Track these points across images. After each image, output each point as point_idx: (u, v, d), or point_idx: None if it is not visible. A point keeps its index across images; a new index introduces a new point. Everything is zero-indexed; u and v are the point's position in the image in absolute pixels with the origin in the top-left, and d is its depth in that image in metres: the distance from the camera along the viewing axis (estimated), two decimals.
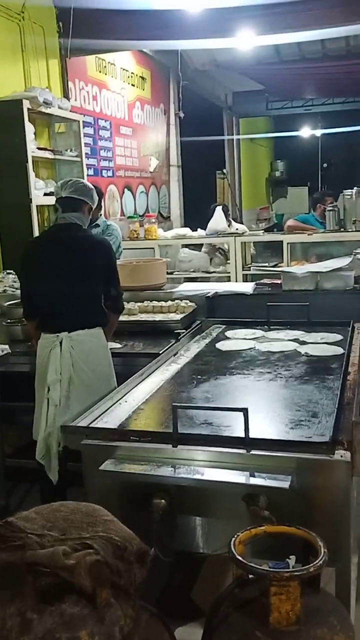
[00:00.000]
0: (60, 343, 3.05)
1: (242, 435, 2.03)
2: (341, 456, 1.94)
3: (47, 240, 3.31)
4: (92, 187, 3.28)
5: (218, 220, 6.57)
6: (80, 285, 3.10)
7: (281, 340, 3.40)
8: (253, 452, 2.00)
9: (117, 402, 2.55)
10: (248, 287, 4.37)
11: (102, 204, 5.54)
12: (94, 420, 2.34)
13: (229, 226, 6.71)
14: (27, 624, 1.53)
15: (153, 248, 6.47)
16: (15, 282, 4.58)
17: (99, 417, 2.38)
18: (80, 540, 1.62)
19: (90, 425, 2.29)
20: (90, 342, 3.10)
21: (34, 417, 3.11)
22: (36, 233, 4.90)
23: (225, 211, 6.85)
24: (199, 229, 6.75)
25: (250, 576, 1.68)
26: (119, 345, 3.48)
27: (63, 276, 3.10)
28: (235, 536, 1.72)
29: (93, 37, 5.77)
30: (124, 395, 2.63)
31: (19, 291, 4.36)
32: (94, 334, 3.13)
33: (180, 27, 5.69)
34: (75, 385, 3.02)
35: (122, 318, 3.57)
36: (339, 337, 3.36)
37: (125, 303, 3.50)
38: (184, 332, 3.60)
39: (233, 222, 7.06)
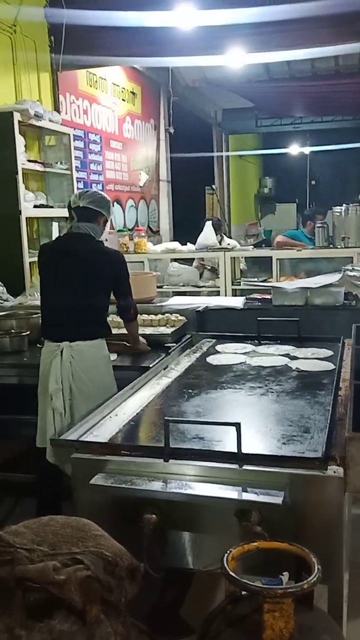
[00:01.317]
0: (62, 352, 3.04)
1: (235, 450, 2.01)
2: (334, 472, 1.92)
3: (57, 249, 3.31)
4: (109, 199, 3.31)
5: (207, 235, 6.58)
6: (84, 296, 3.10)
7: (272, 355, 3.40)
8: (245, 467, 1.98)
9: (107, 415, 2.52)
10: (238, 302, 4.37)
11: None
12: (83, 434, 2.31)
13: (220, 242, 6.72)
14: None
15: (143, 262, 6.47)
16: (3, 293, 4.56)
17: (88, 430, 2.35)
18: (70, 555, 1.59)
19: (80, 439, 2.26)
20: (90, 353, 3.09)
21: (38, 426, 3.09)
22: (25, 245, 4.89)
23: (218, 225, 6.87)
24: (188, 244, 6.76)
25: (243, 593, 1.65)
26: (114, 357, 3.45)
27: (68, 286, 3.12)
28: (228, 552, 1.70)
29: (84, 52, 5.80)
30: (114, 409, 2.60)
31: (7, 302, 4.35)
32: (94, 344, 3.12)
33: (171, 44, 5.74)
34: (75, 395, 3.02)
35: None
36: (329, 352, 3.36)
37: (114, 316, 3.48)
38: (174, 346, 3.58)
39: (225, 237, 7.08)
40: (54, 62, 5.80)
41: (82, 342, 3.07)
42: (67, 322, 3.11)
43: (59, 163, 5.59)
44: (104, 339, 3.19)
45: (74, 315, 3.09)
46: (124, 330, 3.53)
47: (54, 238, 5.26)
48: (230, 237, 7.87)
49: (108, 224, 3.38)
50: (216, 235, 6.72)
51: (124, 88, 7.76)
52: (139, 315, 4.02)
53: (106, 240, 5.29)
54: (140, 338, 3.54)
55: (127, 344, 3.52)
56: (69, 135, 5.69)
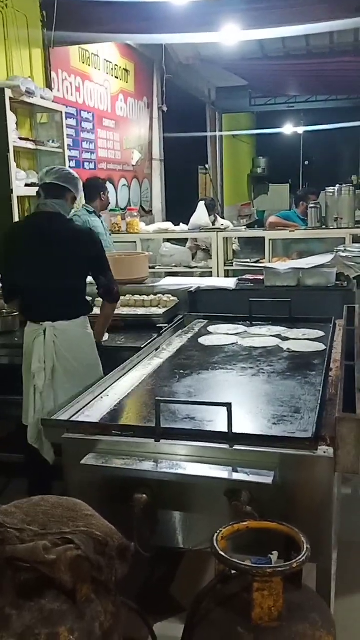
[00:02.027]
0: (44, 332, 3.03)
1: (226, 430, 2.01)
2: (324, 452, 1.93)
3: (27, 228, 3.23)
4: (77, 176, 3.23)
5: (200, 215, 6.55)
6: (62, 277, 3.06)
7: (263, 336, 3.40)
8: (236, 447, 1.99)
9: (98, 395, 2.52)
10: (230, 283, 4.36)
11: (102, 196, 5.54)
12: (75, 414, 2.31)
13: (214, 222, 6.69)
14: (6, 619, 1.51)
15: (135, 242, 6.43)
16: None
17: (80, 410, 2.35)
18: (60, 535, 1.59)
19: (72, 419, 2.26)
20: (73, 332, 3.08)
21: (23, 402, 3.10)
22: None
23: (212, 206, 6.84)
24: (181, 224, 6.72)
25: (233, 572, 1.67)
26: (105, 338, 3.43)
27: (44, 268, 3.06)
28: (218, 532, 1.71)
29: (77, 28, 5.71)
30: (106, 389, 2.60)
31: None
32: (77, 323, 3.11)
33: (165, 20, 5.65)
34: (59, 373, 3.01)
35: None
36: (320, 333, 3.37)
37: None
38: (166, 327, 3.57)
39: (218, 217, 7.05)
40: (45, 38, 5.71)
41: (65, 322, 3.05)
42: (47, 303, 3.07)
43: (51, 141, 5.52)
44: (86, 317, 3.17)
45: (53, 296, 3.06)
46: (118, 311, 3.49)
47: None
48: (223, 218, 7.84)
49: (78, 201, 3.32)
50: (210, 215, 6.69)
51: (116, 65, 7.66)
52: (131, 296, 4.03)
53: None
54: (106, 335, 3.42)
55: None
56: (61, 112, 5.61)
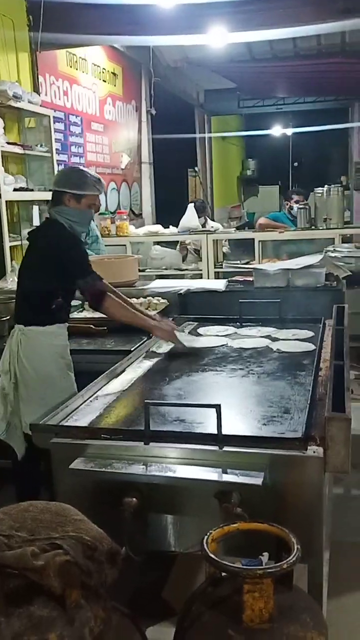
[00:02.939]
0: (15, 335, 3.05)
1: (215, 432, 2.00)
2: (314, 452, 1.92)
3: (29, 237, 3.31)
4: (66, 172, 3.25)
5: (190, 217, 6.56)
6: (31, 281, 3.08)
7: (253, 337, 3.39)
8: (226, 448, 1.98)
9: (87, 399, 2.51)
10: (220, 284, 4.36)
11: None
12: (64, 419, 2.29)
13: (203, 225, 6.69)
14: None
15: (125, 245, 6.43)
16: None
17: (69, 415, 2.33)
18: (49, 541, 1.58)
19: (60, 424, 2.24)
20: (38, 339, 3.01)
21: None
22: (5, 229, 4.83)
23: (202, 208, 6.84)
24: (171, 226, 6.72)
25: (223, 574, 1.66)
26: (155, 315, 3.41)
27: (21, 272, 3.16)
28: (208, 534, 1.70)
29: (64, 31, 5.71)
30: (95, 393, 2.58)
31: None
32: (45, 332, 3.03)
33: (152, 22, 5.66)
34: (19, 380, 3.01)
35: (94, 315, 3.54)
36: (310, 333, 3.37)
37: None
38: None
39: (208, 219, 7.05)
40: (32, 41, 5.70)
41: (33, 328, 3.02)
42: (18, 307, 3.12)
43: (39, 145, 5.52)
44: (60, 326, 3.09)
45: (24, 301, 3.10)
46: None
47: (34, 222, 5.21)
48: (213, 220, 7.85)
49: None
50: (200, 217, 6.69)
51: (104, 69, 7.66)
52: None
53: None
54: (150, 313, 3.37)
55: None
56: (49, 117, 5.60)
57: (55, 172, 5.51)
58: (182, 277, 6.12)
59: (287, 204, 6.70)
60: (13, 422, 3.00)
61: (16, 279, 3.27)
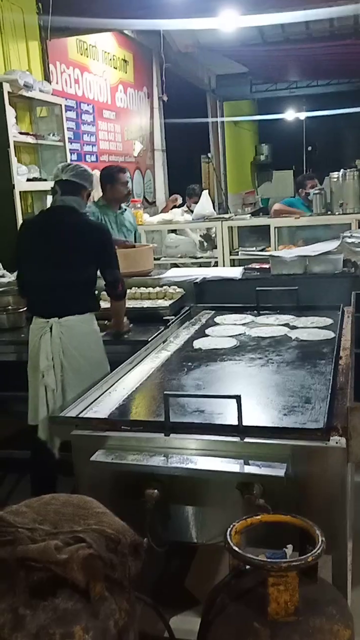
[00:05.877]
0: (51, 328, 3.02)
1: (236, 422, 1.99)
2: (336, 442, 1.91)
3: (41, 223, 3.25)
4: (91, 172, 3.26)
5: (204, 204, 6.52)
6: (69, 270, 3.05)
7: (271, 325, 3.36)
8: (247, 439, 1.96)
9: (106, 391, 2.50)
10: (236, 272, 4.32)
11: (111, 188, 4.97)
12: (83, 410, 2.29)
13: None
14: (20, 620, 1.50)
15: (139, 234, 6.39)
16: None
17: (88, 406, 2.33)
18: (72, 534, 1.58)
19: (80, 416, 2.24)
20: (80, 328, 3.06)
21: (29, 402, 3.08)
22: (19, 219, 4.81)
23: (192, 192, 6.79)
24: (185, 214, 6.68)
25: (247, 567, 1.65)
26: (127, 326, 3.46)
27: (53, 262, 3.07)
28: (232, 526, 1.69)
29: (73, 16, 5.65)
30: (114, 384, 2.58)
31: (3, 278, 4.30)
32: (84, 319, 3.09)
33: (162, 7, 5.59)
34: (67, 371, 3.00)
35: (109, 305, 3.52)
36: (329, 321, 3.33)
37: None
38: (172, 319, 3.54)
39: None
40: (42, 28, 5.66)
41: (72, 317, 3.04)
42: (54, 297, 3.07)
43: (51, 134, 5.49)
44: (93, 314, 3.16)
45: (62, 290, 3.06)
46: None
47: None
48: (227, 207, 7.78)
49: (91, 197, 3.34)
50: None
51: (115, 55, 7.60)
52: (137, 288, 4.00)
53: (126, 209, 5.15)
54: (125, 319, 3.44)
55: (106, 323, 3.43)
56: (61, 105, 5.57)
57: (69, 161, 5.49)
58: (198, 265, 6.08)
59: (302, 191, 6.62)
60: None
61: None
